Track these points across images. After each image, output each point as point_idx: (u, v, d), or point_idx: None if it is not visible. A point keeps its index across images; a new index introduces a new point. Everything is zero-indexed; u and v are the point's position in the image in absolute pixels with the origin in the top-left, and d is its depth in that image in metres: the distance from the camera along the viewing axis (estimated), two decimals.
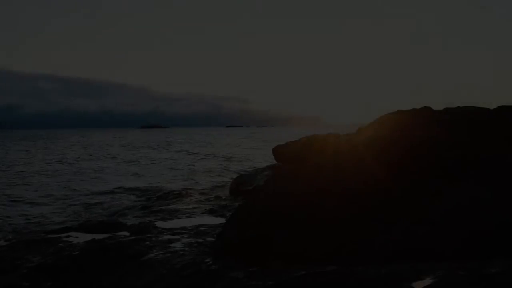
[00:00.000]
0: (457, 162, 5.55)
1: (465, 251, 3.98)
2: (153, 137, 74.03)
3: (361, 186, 5.33)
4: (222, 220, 7.58)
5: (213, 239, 5.71)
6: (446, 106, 8.12)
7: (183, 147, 41.65)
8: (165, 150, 37.22)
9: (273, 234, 4.77)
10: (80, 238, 6.69)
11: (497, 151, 5.60)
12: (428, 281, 3.00)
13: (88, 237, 6.66)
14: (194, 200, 11.05)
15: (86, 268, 5.21)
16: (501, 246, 3.83)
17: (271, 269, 3.97)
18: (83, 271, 5.17)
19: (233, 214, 5.87)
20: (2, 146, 44.81)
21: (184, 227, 7.10)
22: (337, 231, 4.60)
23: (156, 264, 4.97)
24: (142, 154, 32.83)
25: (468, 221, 4.28)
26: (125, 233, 7.08)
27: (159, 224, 7.71)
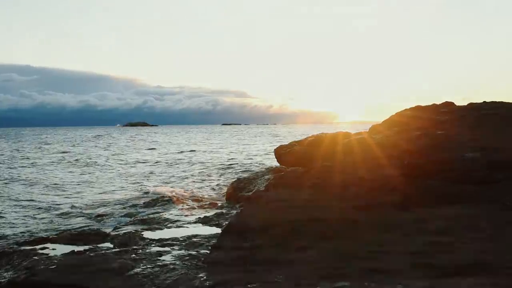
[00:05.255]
0: (483, 164, 5.55)
1: (492, 265, 3.98)
2: (135, 136, 74.06)
3: (375, 192, 5.34)
4: (218, 230, 7.58)
5: (208, 252, 5.71)
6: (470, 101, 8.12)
7: (174, 145, 41.70)
8: (149, 150, 37.24)
9: (274, 246, 4.77)
10: (57, 250, 6.69)
11: None
12: None
13: (67, 248, 6.65)
14: (186, 207, 11.05)
15: (64, 284, 5.20)
16: None
17: (273, 286, 3.97)
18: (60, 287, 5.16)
19: (229, 223, 5.88)
20: None
21: (175, 237, 7.10)
22: (347, 243, 4.60)
23: (144, 279, 4.96)
24: (121, 154, 32.85)
25: (495, 231, 4.29)
26: (108, 244, 7.09)
27: (147, 234, 7.72)
